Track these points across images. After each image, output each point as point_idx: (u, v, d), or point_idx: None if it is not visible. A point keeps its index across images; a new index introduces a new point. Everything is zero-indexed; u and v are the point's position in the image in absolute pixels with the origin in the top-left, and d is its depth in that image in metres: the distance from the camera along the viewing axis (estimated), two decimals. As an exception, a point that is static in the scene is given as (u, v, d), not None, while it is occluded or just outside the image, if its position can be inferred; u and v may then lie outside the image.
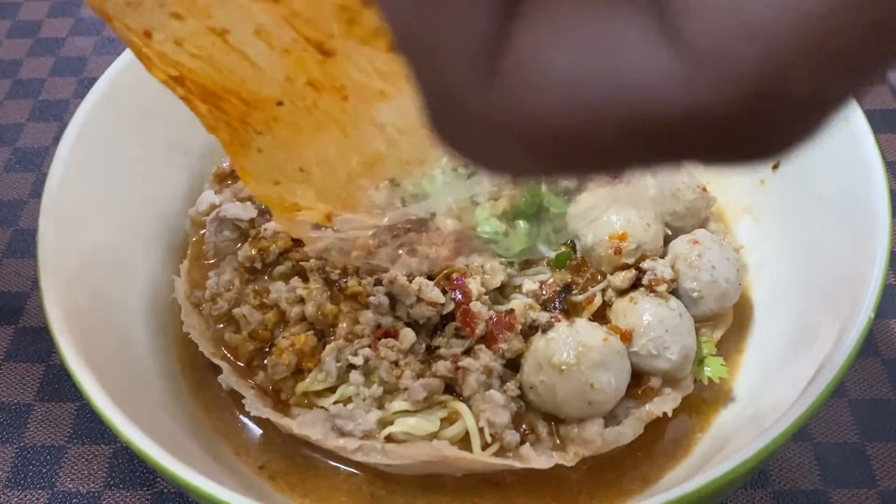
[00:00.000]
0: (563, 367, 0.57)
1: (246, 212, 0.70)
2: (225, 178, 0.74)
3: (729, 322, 0.68)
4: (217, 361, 0.62)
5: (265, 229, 0.68)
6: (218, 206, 0.70)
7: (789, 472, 0.68)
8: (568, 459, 0.57)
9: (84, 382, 0.50)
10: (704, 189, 0.71)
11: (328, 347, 0.60)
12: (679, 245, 0.66)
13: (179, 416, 0.62)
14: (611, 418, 0.60)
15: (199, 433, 0.62)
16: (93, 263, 0.63)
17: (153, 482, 0.67)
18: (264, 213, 0.71)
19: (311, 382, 0.61)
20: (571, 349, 0.58)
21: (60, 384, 0.74)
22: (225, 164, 0.75)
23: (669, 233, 0.69)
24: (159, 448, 0.48)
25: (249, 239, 0.69)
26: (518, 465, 0.57)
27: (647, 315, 0.62)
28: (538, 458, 0.57)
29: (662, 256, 0.66)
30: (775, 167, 0.74)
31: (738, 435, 0.60)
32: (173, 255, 0.72)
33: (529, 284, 0.65)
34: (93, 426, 0.71)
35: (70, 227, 0.61)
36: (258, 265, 0.67)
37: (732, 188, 0.78)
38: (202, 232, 0.71)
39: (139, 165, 0.70)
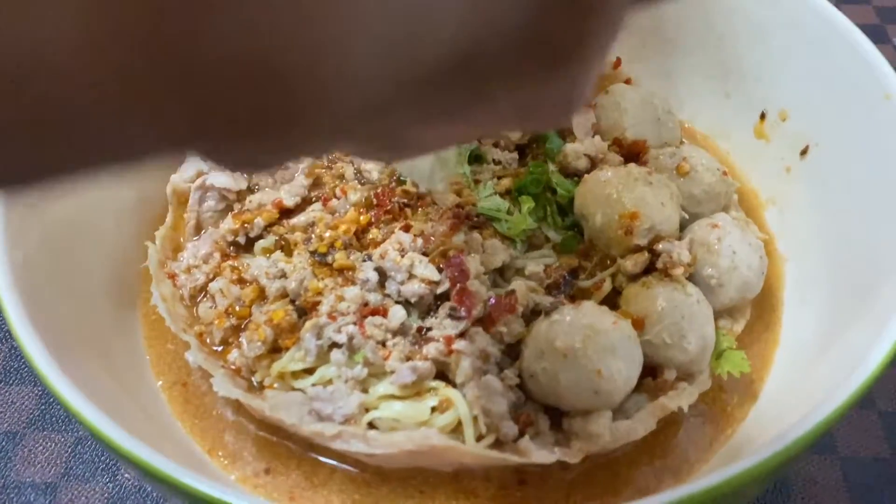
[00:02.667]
0: (568, 352, 0.51)
1: (235, 181, 0.64)
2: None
3: (748, 315, 0.62)
4: (184, 337, 0.57)
5: (250, 201, 0.63)
6: (204, 174, 0.65)
7: (813, 486, 0.62)
8: (572, 455, 0.51)
9: (26, 343, 0.44)
10: (725, 172, 0.65)
11: (308, 323, 0.54)
12: (697, 229, 0.60)
13: (141, 397, 0.56)
14: (619, 412, 0.54)
15: (162, 417, 0.56)
16: (59, 230, 0.58)
17: (115, 471, 0.62)
18: (253, 187, 0.66)
19: (289, 361, 0.54)
20: (577, 332, 0.52)
21: (20, 367, 0.68)
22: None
23: (687, 217, 0.62)
24: (121, 430, 0.43)
25: (233, 212, 0.63)
26: (516, 459, 0.50)
27: (661, 300, 0.55)
28: (538, 453, 0.50)
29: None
30: (803, 154, 0.68)
31: (762, 436, 0.54)
32: (147, 227, 0.66)
33: (533, 267, 0.59)
34: (54, 412, 0.65)
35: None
36: (241, 240, 0.61)
37: (755, 177, 0.73)
38: (184, 201, 0.65)
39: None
